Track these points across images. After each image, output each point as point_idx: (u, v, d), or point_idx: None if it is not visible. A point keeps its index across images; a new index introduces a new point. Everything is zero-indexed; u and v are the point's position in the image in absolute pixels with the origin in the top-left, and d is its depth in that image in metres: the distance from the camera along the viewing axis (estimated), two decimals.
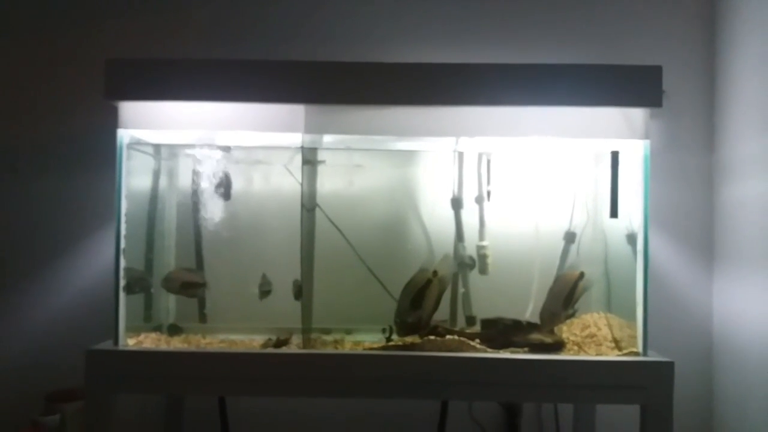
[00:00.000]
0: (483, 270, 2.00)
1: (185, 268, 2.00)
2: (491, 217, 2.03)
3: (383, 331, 1.82)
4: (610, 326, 1.89)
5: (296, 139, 1.76)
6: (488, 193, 1.96)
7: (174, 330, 2.01)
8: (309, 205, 1.84)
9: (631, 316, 1.74)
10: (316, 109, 1.69)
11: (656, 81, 1.65)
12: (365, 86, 1.69)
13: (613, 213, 1.70)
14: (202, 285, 1.98)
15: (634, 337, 1.73)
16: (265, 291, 1.98)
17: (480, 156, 1.99)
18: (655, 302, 1.71)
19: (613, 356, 1.69)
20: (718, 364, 2.10)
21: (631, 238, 1.78)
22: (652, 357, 1.65)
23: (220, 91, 1.67)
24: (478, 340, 1.75)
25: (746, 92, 1.95)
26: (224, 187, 1.97)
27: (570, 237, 2.03)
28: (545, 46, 2.16)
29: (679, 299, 2.14)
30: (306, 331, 1.76)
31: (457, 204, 2.03)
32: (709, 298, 2.15)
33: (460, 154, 2.02)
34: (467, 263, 2.02)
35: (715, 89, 2.13)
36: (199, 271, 2.02)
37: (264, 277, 1.97)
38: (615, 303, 1.94)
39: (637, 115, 1.67)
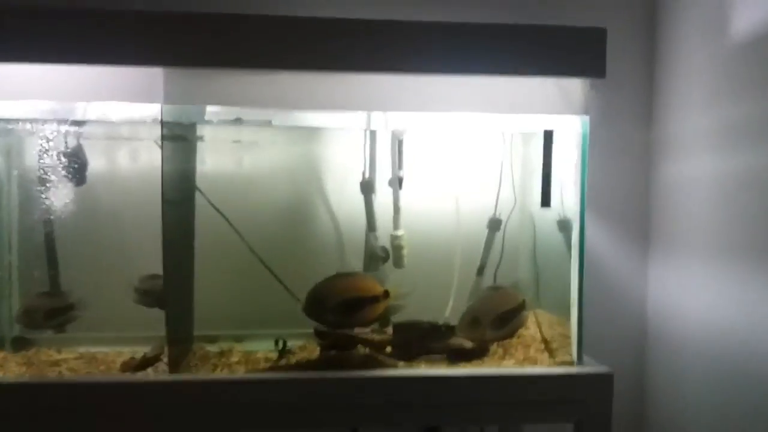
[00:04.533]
0: (398, 263, 1.73)
1: (41, 293, 1.62)
2: (407, 202, 1.75)
3: (275, 343, 1.52)
4: (538, 324, 1.68)
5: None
6: (400, 180, 1.67)
7: (20, 344, 1.63)
8: (173, 192, 1.48)
9: (561, 312, 1.54)
10: (179, 74, 1.33)
11: (599, 46, 1.39)
12: (243, 45, 1.34)
13: (545, 201, 1.46)
14: (70, 308, 1.61)
15: (567, 336, 1.52)
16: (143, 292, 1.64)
17: (393, 134, 1.68)
18: (586, 290, 1.50)
19: (544, 368, 1.46)
20: (652, 358, 1.93)
21: (563, 225, 1.56)
22: (589, 368, 1.44)
23: (50, 50, 1.28)
24: (389, 349, 1.49)
25: (690, 62, 1.74)
26: (76, 169, 1.58)
27: (495, 224, 1.78)
28: (468, 2, 1.86)
29: (612, 287, 1.95)
30: (175, 343, 1.42)
31: (367, 188, 1.73)
32: (644, 287, 1.97)
33: (372, 133, 1.71)
34: (380, 255, 1.74)
35: (656, 57, 1.90)
36: (59, 292, 1.65)
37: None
38: (544, 297, 1.72)
39: (575, 86, 1.41)
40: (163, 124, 1.34)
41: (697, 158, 1.69)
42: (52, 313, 1.58)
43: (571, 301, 1.47)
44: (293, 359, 1.50)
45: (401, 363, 1.47)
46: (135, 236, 1.68)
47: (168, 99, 1.32)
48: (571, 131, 1.47)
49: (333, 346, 1.48)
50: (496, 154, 1.79)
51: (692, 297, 1.72)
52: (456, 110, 1.44)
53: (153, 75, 1.33)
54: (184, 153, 1.61)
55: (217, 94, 1.38)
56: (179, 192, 1.56)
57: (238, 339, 1.71)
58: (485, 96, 1.42)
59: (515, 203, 1.80)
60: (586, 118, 1.42)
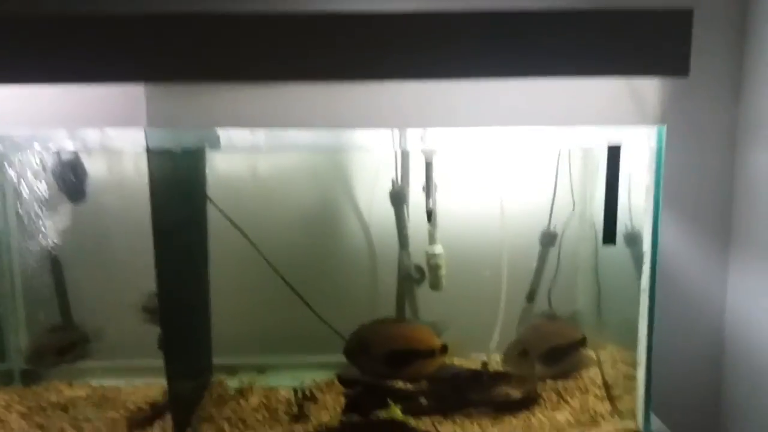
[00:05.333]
0: (435, 284, 1.50)
1: (51, 328, 1.48)
2: (445, 215, 1.50)
3: (294, 392, 1.35)
4: (599, 363, 1.44)
5: None
6: (429, 213, 1.42)
7: (29, 378, 1.52)
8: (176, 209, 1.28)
9: (626, 342, 1.31)
10: (163, 92, 1.11)
11: (682, 37, 1.09)
12: (246, 51, 1.10)
13: (608, 237, 1.19)
14: (84, 341, 1.47)
15: (633, 378, 1.29)
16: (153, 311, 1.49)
17: (424, 155, 1.42)
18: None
19: None
20: (729, 374, 1.67)
21: (631, 240, 1.30)
22: None
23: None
24: (424, 400, 1.30)
25: None
26: (73, 184, 1.41)
27: (548, 239, 1.53)
28: None
29: (685, 294, 1.66)
30: (184, 384, 1.27)
31: (398, 199, 1.50)
32: (722, 295, 1.67)
33: (405, 153, 1.46)
34: (414, 277, 1.52)
35: (745, 25, 1.53)
36: (70, 324, 1.51)
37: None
38: (606, 325, 1.48)
39: (646, 87, 1.12)
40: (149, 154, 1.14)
41: None
42: (63, 350, 1.46)
43: (638, 354, 1.22)
44: (312, 411, 1.32)
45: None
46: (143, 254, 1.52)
47: (152, 121, 1.10)
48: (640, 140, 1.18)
49: (357, 397, 1.30)
50: (551, 168, 1.51)
51: None
52: (498, 123, 1.17)
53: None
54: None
55: (202, 112, 1.15)
56: (185, 209, 1.38)
57: (261, 370, 1.56)
58: (532, 104, 1.14)
59: (573, 210, 1.53)
60: (663, 128, 1.12)
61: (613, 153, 1.15)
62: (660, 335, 1.25)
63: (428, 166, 1.37)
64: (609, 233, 1.18)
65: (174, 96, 1.11)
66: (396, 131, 1.27)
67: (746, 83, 1.52)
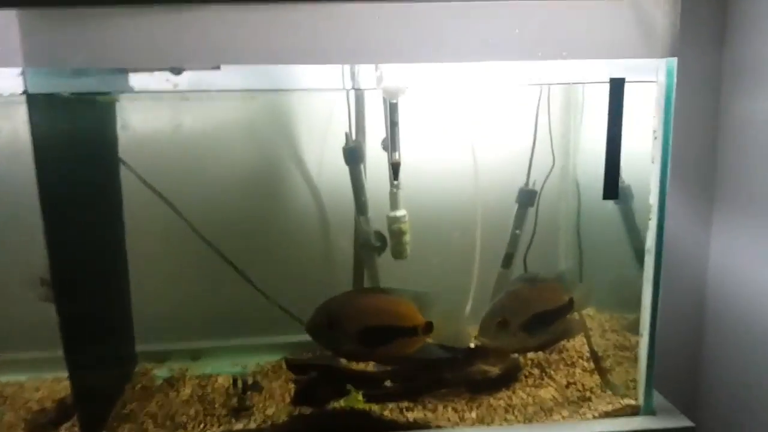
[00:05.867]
0: (398, 252, 1.29)
1: None
2: (409, 171, 1.29)
3: (233, 381, 1.13)
4: (586, 332, 1.27)
5: None
6: (395, 166, 1.21)
7: None
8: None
9: (614, 309, 1.22)
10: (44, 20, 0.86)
11: None
12: None
13: (610, 190, 1.00)
14: None
15: (625, 348, 1.15)
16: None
17: (385, 95, 1.19)
18: None
19: (593, 423, 1.06)
20: (710, 337, 1.53)
21: (624, 194, 1.16)
22: (663, 420, 1.04)
23: None
24: (389, 382, 1.10)
25: None
26: None
27: (526, 197, 1.34)
28: None
29: (666, 251, 1.51)
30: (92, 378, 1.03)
31: (353, 155, 1.28)
32: (705, 252, 1.52)
33: (359, 96, 1.25)
34: (373, 244, 1.31)
35: None
36: None
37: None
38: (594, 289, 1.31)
39: (657, 14, 0.93)
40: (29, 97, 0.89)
41: None
42: None
43: (642, 322, 1.05)
44: (256, 402, 1.11)
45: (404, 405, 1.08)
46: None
47: (29, 60, 0.85)
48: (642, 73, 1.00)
49: (310, 384, 1.09)
50: (531, 108, 1.32)
51: (764, 265, 1.29)
52: (472, 59, 0.96)
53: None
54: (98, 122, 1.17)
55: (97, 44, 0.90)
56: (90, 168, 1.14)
57: (195, 356, 1.34)
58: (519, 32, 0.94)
59: (552, 167, 1.35)
60: (674, 60, 0.94)
61: (617, 87, 0.96)
62: None
63: (393, 108, 1.15)
64: (611, 185, 0.99)
65: (59, 25, 0.86)
66: (349, 69, 1.06)
67: (730, 28, 1.37)
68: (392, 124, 1.16)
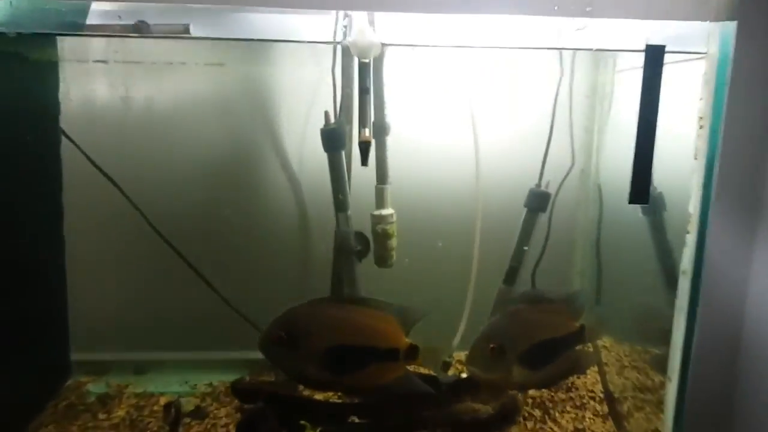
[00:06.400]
0: (382, 259, 1.09)
1: None
2: (398, 162, 1.09)
3: (166, 408, 0.94)
4: (600, 367, 1.06)
5: None
6: (364, 148, 1.00)
7: None
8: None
9: (642, 338, 1.01)
10: None
11: None
12: None
13: (639, 194, 0.79)
14: None
15: (646, 390, 0.94)
16: None
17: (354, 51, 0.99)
18: None
19: None
20: (746, 368, 1.31)
21: (655, 203, 0.97)
22: None
23: None
24: (356, 418, 0.90)
25: None
26: None
27: (537, 200, 1.13)
28: None
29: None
30: None
31: (334, 139, 1.08)
32: (745, 275, 1.30)
33: (345, 50, 1.04)
34: (354, 249, 1.11)
35: None
36: None
37: None
38: (611, 316, 1.10)
39: None
40: None
41: None
42: None
43: (670, 366, 0.85)
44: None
45: None
46: None
47: None
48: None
49: (255, 417, 0.89)
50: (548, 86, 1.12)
51: None
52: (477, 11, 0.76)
53: None
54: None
55: None
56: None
57: (140, 369, 1.15)
58: None
59: (572, 167, 1.14)
60: (734, 24, 0.73)
61: (654, 56, 0.75)
62: None
63: (363, 70, 0.94)
64: (640, 185, 0.78)
65: None
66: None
67: None
68: (361, 91, 0.95)
